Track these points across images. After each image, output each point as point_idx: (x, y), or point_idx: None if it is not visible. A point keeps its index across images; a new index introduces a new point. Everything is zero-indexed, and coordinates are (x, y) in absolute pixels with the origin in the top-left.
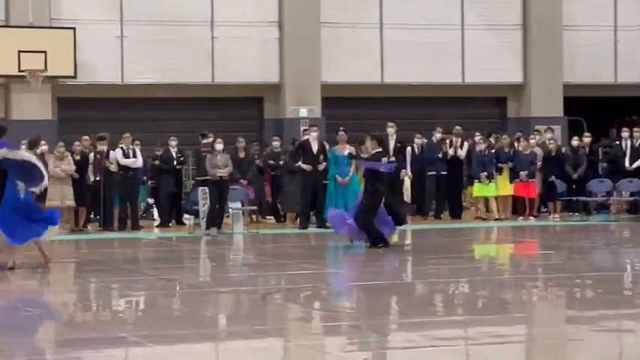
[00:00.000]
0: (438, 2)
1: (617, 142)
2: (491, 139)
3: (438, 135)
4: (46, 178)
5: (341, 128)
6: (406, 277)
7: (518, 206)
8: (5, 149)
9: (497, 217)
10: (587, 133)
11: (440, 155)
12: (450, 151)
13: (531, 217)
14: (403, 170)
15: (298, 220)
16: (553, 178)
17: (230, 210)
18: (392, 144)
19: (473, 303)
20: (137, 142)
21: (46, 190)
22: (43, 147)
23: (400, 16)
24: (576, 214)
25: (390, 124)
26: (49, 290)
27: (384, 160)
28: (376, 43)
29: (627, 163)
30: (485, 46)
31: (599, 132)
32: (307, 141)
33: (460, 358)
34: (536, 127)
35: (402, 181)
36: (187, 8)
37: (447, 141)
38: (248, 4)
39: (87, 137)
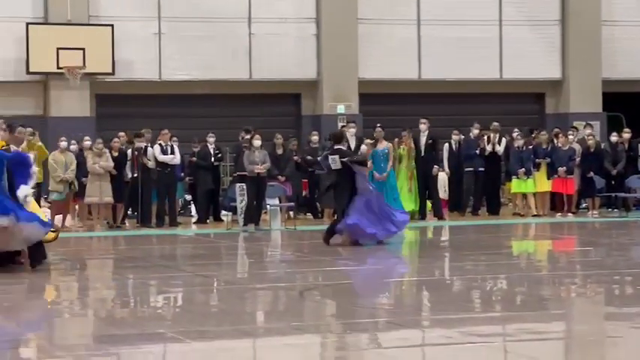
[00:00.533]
0: None
1: None
2: (533, 135)
3: (475, 131)
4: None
5: (378, 125)
6: (444, 273)
7: (556, 202)
8: None
9: (535, 213)
10: (626, 129)
11: (477, 151)
12: (488, 148)
13: (569, 214)
14: (435, 167)
15: (335, 216)
16: (592, 174)
17: (267, 206)
18: (423, 140)
19: (511, 299)
20: (175, 138)
21: (84, 186)
22: (86, 142)
23: (438, 12)
24: (615, 210)
25: (422, 120)
26: (88, 287)
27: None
28: (413, 39)
29: None
30: (524, 41)
31: (639, 128)
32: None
33: (498, 354)
34: (574, 124)
35: (436, 177)
36: (225, 4)
37: (485, 137)
38: (285, 1)
39: (123, 134)
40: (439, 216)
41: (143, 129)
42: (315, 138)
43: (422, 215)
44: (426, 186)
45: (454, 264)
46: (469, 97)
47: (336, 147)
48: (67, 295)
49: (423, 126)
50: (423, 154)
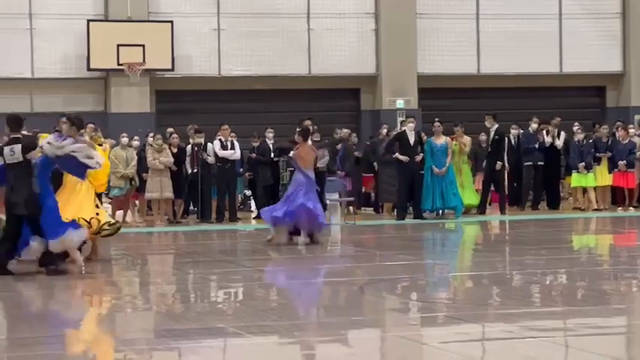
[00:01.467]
0: None
1: None
2: (594, 130)
3: (534, 125)
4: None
5: (437, 119)
6: (504, 267)
7: (617, 196)
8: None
9: (595, 207)
10: None
11: (536, 145)
12: (548, 139)
13: (631, 208)
14: (499, 162)
15: (395, 211)
16: None
17: (327, 201)
18: (491, 135)
19: (571, 294)
20: (233, 133)
21: (145, 182)
22: (150, 139)
23: (497, 6)
24: None
25: (487, 116)
26: (149, 282)
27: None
28: (472, 33)
29: None
30: (584, 35)
31: None
32: (404, 132)
33: (559, 349)
34: (638, 116)
35: (501, 172)
36: (283, 0)
37: (544, 131)
38: None
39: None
40: (503, 211)
41: (201, 125)
42: (384, 131)
43: (481, 210)
44: (491, 181)
45: (514, 258)
46: (529, 91)
47: None
48: (128, 290)
49: (490, 121)
50: (490, 149)
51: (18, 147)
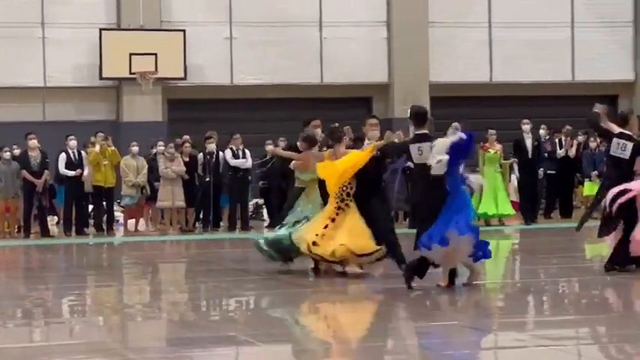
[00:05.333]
0: (547, 0)
1: None
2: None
3: (541, 132)
4: None
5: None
6: (516, 276)
7: None
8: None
9: None
10: None
11: (546, 154)
12: (560, 152)
13: None
14: (541, 170)
15: (407, 219)
16: None
17: None
18: (529, 142)
19: (582, 302)
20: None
21: (157, 190)
22: (159, 147)
23: (509, 14)
24: None
25: (524, 121)
26: (161, 290)
27: None
28: (485, 42)
29: None
30: (596, 43)
31: None
32: None
33: (570, 358)
34: None
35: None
36: (296, 9)
37: (557, 140)
38: (356, 5)
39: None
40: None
41: (212, 132)
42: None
43: (529, 219)
44: (532, 189)
45: (526, 267)
46: (541, 99)
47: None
48: (139, 299)
49: (527, 127)
50: (530, 156)
51: (426, 145)
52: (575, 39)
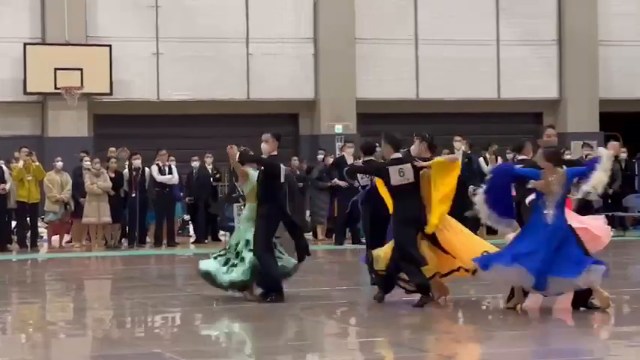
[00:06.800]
0: (473, 18)
1: None
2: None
3: (457, 144)
4: None
5: (376, 144)
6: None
7: None
8: None
9: None
10: (623, 149)
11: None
12: (488, 169)
13: None
14: (471, 187)
15: (333, 236)
16: None
17: None
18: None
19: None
20: (172, 158)
21: (82, 206)
22: (86, 163)
23: (435, 31)
24: (613, 229)
25: (456, 138)
26: (85, 307)
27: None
28: (411, 59)
29: None
30: (521, 61)
31: (635, 147)
32: (343, 157)
33: None
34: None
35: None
36: (223, 25)
37: (481, 158)
38: (283, 21)
39: (113, 149)
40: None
41: (123, 148)
42: (320, 157)
43: None
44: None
45: None
46: (467, 116)
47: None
48: (63, 316)
49: (458, 144)
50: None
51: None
52: (500, 57)
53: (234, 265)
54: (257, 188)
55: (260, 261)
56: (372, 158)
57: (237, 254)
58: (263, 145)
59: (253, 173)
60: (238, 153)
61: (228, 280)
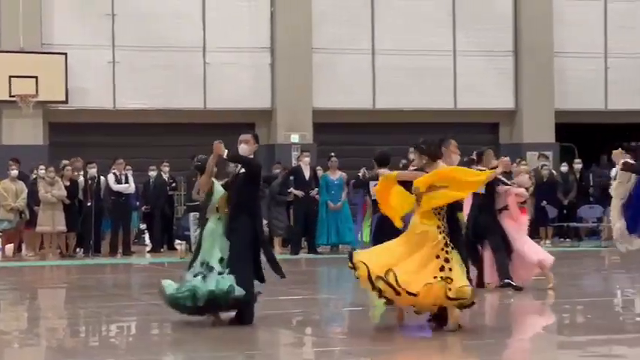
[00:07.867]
0: (430, 28)
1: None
2: None
3: (412, 155)
4: None
5: (332, 154)
6: None
7: None
8: None
9: None
10: (577, 160)
11: None
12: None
13: None
14: None
15: (289, 245)
16: (545, 203)
17: None
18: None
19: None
20: (128, 167)
21: (36, 215)
22: (40, 171)
23: (392, 41)
24: (567, 240)
25: (411, 149)
26: (39, 316)
27: None
28: (368, 68)
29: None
30: (477, 72)
31: (590, 158)
32: (299, 167)
33: None
34: (527, 154)
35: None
36: (179, 34)
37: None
38: (240, 30)
39: (67, 162)
40: None
41: (76, 158)
42: (276, 172)
43: None
44: None
45: None
46: (424, 126)
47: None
48: (17, 325)
49: (413, 155)
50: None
51: None
52: (457, 67)
53: (205, 276)
54: (231, 196)
55: (242, 283)
56: (386, 170)
57: (207, 265)
58: (243, 147)
59: (217, 184)
60: (226, 151)
61: (206, 290)
